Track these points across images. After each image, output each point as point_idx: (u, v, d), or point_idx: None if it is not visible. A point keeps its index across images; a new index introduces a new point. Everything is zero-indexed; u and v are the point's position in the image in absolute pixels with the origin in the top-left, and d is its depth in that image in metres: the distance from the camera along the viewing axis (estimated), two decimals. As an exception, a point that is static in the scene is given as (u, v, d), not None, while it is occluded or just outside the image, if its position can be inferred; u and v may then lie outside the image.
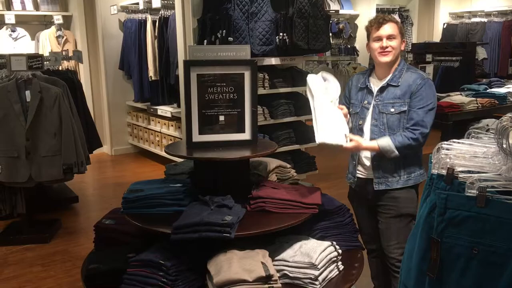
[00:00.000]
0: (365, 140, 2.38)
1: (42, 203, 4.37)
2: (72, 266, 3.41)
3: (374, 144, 2.34)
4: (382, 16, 2.42)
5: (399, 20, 2.54)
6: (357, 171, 2.53)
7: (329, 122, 2.27)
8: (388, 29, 2.35)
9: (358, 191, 2.58)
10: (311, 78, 2.40)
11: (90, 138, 4.48)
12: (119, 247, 2.46)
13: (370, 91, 2.45)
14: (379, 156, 2.39)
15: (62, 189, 5.00)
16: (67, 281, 3.23)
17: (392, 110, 2.36)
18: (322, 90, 2.36)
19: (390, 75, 2.41)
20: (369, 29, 2.41)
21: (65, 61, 5.51)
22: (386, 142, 2.32)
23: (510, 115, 1.34)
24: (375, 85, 2.45)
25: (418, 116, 2.31)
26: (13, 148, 3.60)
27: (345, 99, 2.60)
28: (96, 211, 4.41)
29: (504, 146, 1.17)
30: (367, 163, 2.48)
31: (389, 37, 2.36)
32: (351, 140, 2.29)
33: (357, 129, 2.48)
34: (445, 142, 1.42)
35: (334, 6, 8.52)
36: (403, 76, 2.38)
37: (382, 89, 2.40)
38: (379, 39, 2.36)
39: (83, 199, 4.92)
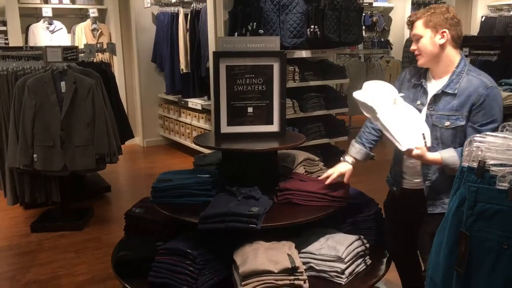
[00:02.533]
0: (428, 152, 1.99)
1: (76, 192, 4.49)
2: (104, 253, 3.50)
3: (438, 156, 1.97)
4: (410, 15, 2.12)
5: (429, 12, 2.05)
6: (404, 181, 2.22)
7: (402, 127, 1.96)
8: (413, 30, 2.07)
9: (401, 200, 2.25)
10: (358, 95, 2.07)
11: (123, 129, 4.57)
12: (148, 236, 2.51)
13: (424, 91, 2.11)
14: (432, 173, 2.09)
15: (95, 179, 5.12)
16: (98, 267, 3.31)
17: (447, 124, 2.01)
18: (376, 99, 2.03)
19: (447, 78, 2.04)
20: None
21: (99, 53, 5.63)
22: (451, 155, 1.95)
23: (547, 108, 1.28)
24: (430, 85, 2.10)
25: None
26: (48, 138, 3.71)
27: None
28: (128, 201, 4.50)
29: (540, 139, 1.13)
30: (417, 179, 2.16)
31: (416, 38, 2.06)
32: (417, 148, 1.94)
33: None
34: (478, 135, 1.38)
35: (367, -1, 8.38)
36: (462, 82, 2.00)
37: (436, 98, 2.05)
38: (412, 41, 2.11)
39: (115, 189, 5.03)
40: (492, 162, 1.19)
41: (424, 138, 1.95)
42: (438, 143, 2.03)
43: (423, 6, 8.90)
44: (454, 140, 2.01)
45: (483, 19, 9.27)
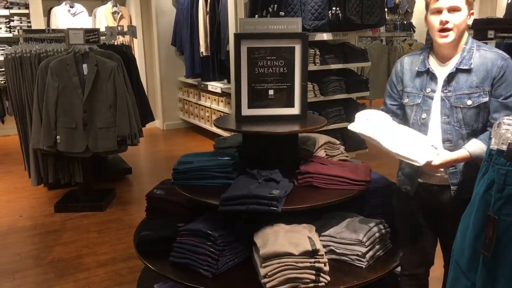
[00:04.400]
0: (451, 152, 1.83)
1: (98, 173, 4.56)
2: (126, 234, 3.56)
3: (465, 153, 1.78)
4: None
5: None
6: (422, 177, 1.99)
7: (409, 144, 1.83)
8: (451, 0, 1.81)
9: (421, 199, 2.02)
10: (355, 128, 1.95)
11: (143, 112, 4.61)
12: (169, 217, 2.54)
13: (433, 76, 1.93)
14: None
15: (117, 161, 5.19)
16: (121, 247, 3.37)
17: (469, 103, 1.85)
18: (374, 128, 1.92)
19: (458, 56, 1.89)
20: None
21: (120, 36, 5.65)
22: (479, 147, 1.76)
23: None
24: (438, 68, 1.93)
25: (509, 106, 1.81)
26: (71, 120, 3.76)
27: (392, 89, 2.08)
28: (148, 183, 4.56)
29: None
30: (439, 173, 1.94)
31: (451, 10, 1.82)
32: (437, 155, 1.79)
33: (418, 125, 1.95)
34: (507, 117, 1.34)
35: (390, -20, 8.20)
36: (475, 57, 1.86)
37: (451, 77, 1.88)
38: (439, 11, 1.83)
39: (136, 171, 5.09)
40: (522, 145, 1.16)
41: (436, 148, 1.84)
42: (460, 125, 1.87)
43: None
44: (477, 119, 1.86)
45: (509, 1, 8.99)
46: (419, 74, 1.97)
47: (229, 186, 2.26)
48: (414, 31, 8.41)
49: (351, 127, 1.96)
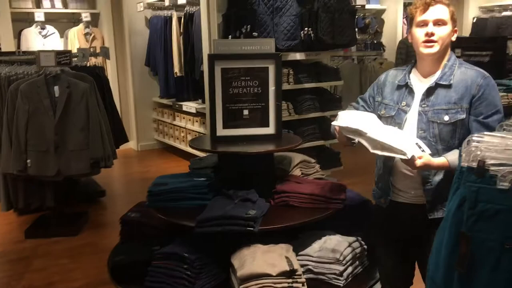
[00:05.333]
0: (432, 158, 1.82)
1: (70, 197, 4.45)
2: (99, 259, 3.46)
3: (444, 160, 1.81)
4: None
5: (451, 3, 1.91)
6: (397, 194, 2.00)
7: (395, 139, 1.80)
8: (436, 12, 1.86)
9: (392, 217, 2.04)
10: (339, 122, 1.90)
11: (117, 133, 4.55)
12: (145, 240, 2.49)
13: (410, 91, 1.96)
14: (433, 176, 1.91)
15: (90, 183, 5.09)
16: (94, 272, 3.28)
17: (447, 118, 1.86)
18: (359, 121, 1.88)
19: (439, 72, 1.91)
20: (413, 11, 1.92)
21: (92, 58, 5.59)
22: (456, 157, 1.68)
23: (544, 107, 1.29)
24: (417, 83, 1.96)
25: (490, 126, 1.81)
26: (42, 142, 3.68)
27: (369, 98, 2.11)
28: (123, 205, 4.46)
29: (538, 138, 1.13)
30: (414, 190, 1.95)
31: (437, 23, 1.86)
32: (419, 158, 1.78)
33: None
34: (476, 135, 1.38)
35: (360, 1, 8.37)
36: (456, 73, 1.89)
37: (430, 91, 1.90)
38: (424, 24, 1.87)
39: (110, 193, 5.00)
40: (491, 161, 1.19)
41: (420, 147, 1.83)
42: (436, 141, 1.88)
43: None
44: (453, 135, 1.87)
45: (474, 20, 9.32)
46: (398, 87, 2.00)
47: (205, 207, 2.24)
48: (384, 50, 8.60)
49: (336, 123, 1.91)
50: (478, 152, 1.23)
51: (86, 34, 6.80)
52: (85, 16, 6.79)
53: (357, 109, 2.15)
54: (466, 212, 1.18)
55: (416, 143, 1.83)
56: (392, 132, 1.87)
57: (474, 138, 1.34)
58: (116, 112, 4.81)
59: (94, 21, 7.07)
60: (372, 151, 1.82)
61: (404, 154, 1.75)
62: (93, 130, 3.74)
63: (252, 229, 2.07)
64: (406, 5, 8.63)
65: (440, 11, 1.86)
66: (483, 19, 9.23)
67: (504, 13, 8.93)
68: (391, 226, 2.05)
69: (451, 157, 1.80)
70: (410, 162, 1.77)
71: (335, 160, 4.91)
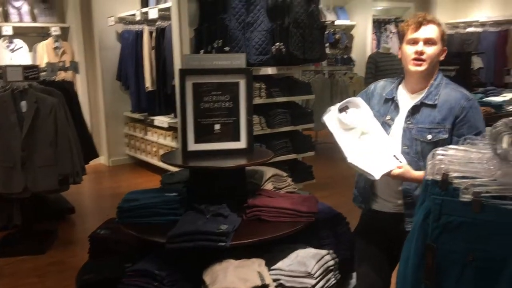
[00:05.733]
0: (412, 170, 1.90)
1: (38, 214, 4.34)
2: (68, 277, 3.36)
3: (422, 173, 1.78)
4: (423, 15, 1.95)
5: (443, 23, 1.99)
6: (377, 202, 2.10)
7: (371, 157, 1.89)
8: (427, 31, 1.91)
9: (374, 226, 2.14)
10: (327, 119, 2.00)
11: (87, 149, 4.47)
12: (114, 257, 2.44)
13: (396, 106, 2.02)
14: (413, 190, 1.96)
15: (59, 200, 4.97)
16: (62, 292, 3.20)
17: (429, 137, 1.92)
18: (342, 130, 1.96)
19: (425, 91, 1.96)
20: (405, 28, 1.97)
21: (62, 72, 5.51)
22: None
23: (504, 120, 1.34)
24: (404, 99, 2.02)
25: None
26: (8, 159, 3.59)
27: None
28: (93, 222, 4.37)
29: (498, 151, 1.17)
30: (393, 200, 2.03)
31: (427, 42, 1.91)
32: (399, 168, 1.86)
33: None
34: (440, 148, 1.42)
35: (330, 17, 8.56)
36: (441, 94, 1.94)
37: (415, 109, 1.96)
38: (415, 42, 1.92)
39: (79, 210, 4.89)
40: (455, 174, 1.22)
41: (398, 159, 1.88)
42: (418, 157, 1.92)
43: (383, 24, 9.19)
44: None
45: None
46: (386, 100, 2.06)
47: (177, 222, 2.21)
48: (354, 65, 8.78)
49: (326, 118, 1.98)
50: (442, 165, 1.26)
51: (55, 48, 6.70)
52: (55, 30, 6.69)
53: None
54: (431, 224, 1.21)
55: (394, 155, 1.89)
56: (371, 144, 1.92)
57: (438, 151, 1.38)
58: (86, 127, 4.74)
59: (64, 35, 6.97)
60: (348, 161, 1.90)
61: (371, 175, 1.83)
62: (62, 146, 3.66)
63: (223, 244, 2.06)
64: (374, 22, 8.86)
65: (431, 31, 1.92)
66: (448, 35, 9.50)
67: (469, 29, 9.26)
68: (372, 234, 2.12)
69: None
70: (385, 175, 1.84)
71: (307, 173, 4.95)
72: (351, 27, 8.90)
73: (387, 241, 2.06)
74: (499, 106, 4.85)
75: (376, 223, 2.08)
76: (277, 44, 4.50)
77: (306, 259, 2.23)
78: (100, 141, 6.89)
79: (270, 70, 4.66)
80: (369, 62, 6.64)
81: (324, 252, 2.30)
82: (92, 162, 4.84)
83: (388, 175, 1.86)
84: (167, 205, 2.33)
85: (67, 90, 4.39)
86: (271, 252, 2.35)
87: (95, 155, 4.80)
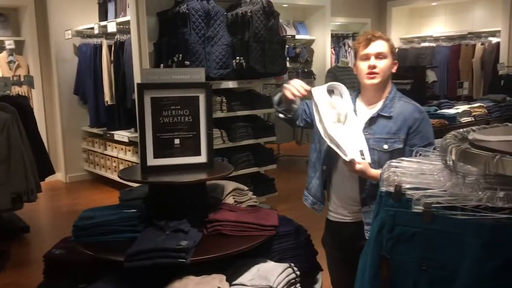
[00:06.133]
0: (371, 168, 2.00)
1: (-10, 234, 4.16)
2: (21, 300, 3.24)
3: (378, 172, 1.89)
4: (372, 32, 2.11)
5: (390, 39, 2.14)
6: (332, 213, 2.22)
7: (344, 140, 1.99)
8: (377, 46, 2.05)
9: (335, 236, 2.26)
10: (316, 91, 2.09)
11: (42, 165, 4.34)
12: (70, 278, 2.36)
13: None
14: (371, 199, 2.04)
15: (12, 219, 4.77)
16: (15, 316, 3.05)
17: (386, 147, 2.05)
18: (327, 106, 2.05)
19: (381, 103, 2.10)
20: (357, 46, 2.12)
21: (16, 87, 5.35)
22: None
23: (453, 133, 1.38)
24: (362, 111, 2.14)
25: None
26: (-43, 177, 3.43)
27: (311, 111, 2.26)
28: (49, 241, 4.21)
29: (448, 162, 1.20)
30: (352, 207, 2.14)
31: (378, 56, 2.05)
32: (359, 163, 1.96)
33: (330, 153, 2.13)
34: (394, 160, 1.45)
35: (290, 31, 8.71)
36: (396, 106, 2.07)
37: (372, 121, 2.09)
38: (367, 57, 2.06)
39: (35, 229, 4.71)
40: (407, 186, 1.25)
41: (362, 155, 1.98)
42: (375, 166, 2.02)
43: (342, 39, 9.41)
44: None
45: (396, 51, 9.95)
46: None
47: (135, 240, 2.16)
48: (315, 78, 8.93)
49: (314, 89, 2.08)
50: (395, 177, 1.29)
51: (9, 62, 6.50)
52: (9, 43, 6.50)
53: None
54: (385, 235, 1.23)
55: (361, 150, 1.99)
56: (350, 131, 2.03)
57: (392, 163, 1.41)
58: (41, 143, 4.60)
59: (19, 48, 6.78)
60: (323, 136, 2.02)
61: (346, 155, 1.94)
62: (15, 163, 3.54)
63: (183, 260, 2.02)
64: (333, 36, 9.07)
65: (380, 46, 2.06)
66: (404, 50, 9.88)
67: (423, 44, 9.61)
68: (336, 243, 2.27)
69: None
70: (351, 164, 1.95)
71: (269, 186, 4.97)
72: (311, 42, 9.07)
73: (350, 247, 2.13)
74: (452, 118, 5.03)
75: (338, 231, 2.21)
76: (237, 58, 4.52)
77: (268, 273, 2.22)
78: (57, 157, 6.71)
79: (231, 84, 4.68)
80: (328, 76, 6.78)
81: (285, 265, 2.31)
82: (48, 179, 4.70)
83: (351, 166, 1.96)
84: (125, 222, 2.28)
85: (22, 105, 4.27)
86: (233, 267, 2.33)
87: (51, 171, 4.66)
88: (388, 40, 2.09)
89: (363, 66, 2.07)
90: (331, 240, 2.27)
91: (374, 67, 2.03)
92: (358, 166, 1.95)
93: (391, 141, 2.04)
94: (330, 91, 2.14)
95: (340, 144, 1.96)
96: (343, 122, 2.06)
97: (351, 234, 2.12)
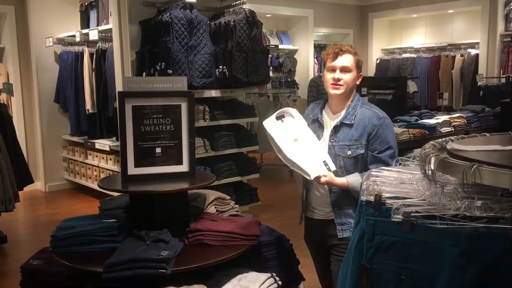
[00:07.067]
0: (336, 177, 2.16)
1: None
2: (-3, 313, 3.16)
3: (344, 180, 2.16)
4: (340, 46, 2.23)
5: (356, 51, 2.28)
6: (314, 212, 2.36)
7: (305, 159, 2.13)
8: (343, 61, 2.20)
9: (313, 232, 2.42)
10: (267, 124, 2.22)
11: (20, 174, 4.26)
12: (48, 290, 2.31)
13: (321, 125, 2.30)
14: (340, 200, 2.23)
15: (-11, 229, 4.66)
16: (-10, 329, 2.97)
17: (349, 153, 2.20)
18: (280, 133, 2.19)
19: (344, 111, 2.24)
20: (325, 57, 2.26)
21: (-5, 94, 5.26)
22: (355, 179, 2.13)
23: (432, 142, 1.40)
24: (327, 119, 2.30)
25: (383, 160, 2.15)
26: None
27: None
28: (27, 252, 4.13)
29: (427, 172, 1.22)
30: (327, 208, 2.29)
31: (343, 70, 2.20)
32: (324, 176, 2.11)
33: None
34: (374, 170, 1.46)
35: (273, 41, 8.76)
36: (357, 113, 2.21)
37: (336, 129, 2.24)
38: (333, 70, 2.21)
39: (12, 239, 4.60)
40: (387, 195, 1.26)
41: (327, 165, 2.13)
42: (342, 171, 2.19)
43: (325, 49, 9.51)
44: (356, 167, 2.20)
45: (378, 61, 10.09)
46: (313, 121, 2.33)
47: (115, 250, 2.13)
48: (297, 88, 8.98)
49: (265, 123, 2.21)
50: (375, 186, 1.30)
51: (-12, 69, 6.39)
52: (-12, 50, 6.40)
53: None
54: (365, 244, 1.24)
55: (324, 161, 2.15)
56: (306, 149, 2.17)
57: (373, 173, 1.42)
58: (20, 151, 4.52)
59: (-2, 55, 6.68)
60: (284, 162, 2.16)
61: (308, 175, 2.10)
62: (-7, 172, 3.47)
63: (164, 271, 2.00)
64: (316, 46, 9.15)
65: (346, 60, 2.21)
66: (385, 60, 10.01)
67: (404, 55, 9.76)
68: (314, 241, 2.42)
69: (350, 178, 2.15)
70: (316, 180, 2.12)
71: (252, 195, 4.95)
72: (294, 52, 9.13)
73: (324, 243, 2.33)
74: (432, 128, 5.09)
75: (315, 229, 2.37)
76: (220, 67, 4.52)
77: (250, 283, 2.21)
78: (36, 166, 6.59)
79: (214, 93, 4.67)
80: (310, 85, 6.82)
81: (267, 275, 2.30)
82: (27, 188, 4.61)
83: (317, 181, 2.12)
84: (105, 232, 2.25)
85: (0, 113, 4.19)
86: (214, 277, 2.31)
87: (30, 180, 4.57)
88: (355, 54, 2.23)
89: (329, 77, 2.22)
90: (310, 236, 2.46)
91: (339, 80, 2.18)
92: (323, 179, 2.11)
93: (354, 147, 2.19)
94: (281, 117, 2.28)
95: (301, 166, 2.10)
96: (300, 139, 2.20)
97: (323, 229, 2.30)
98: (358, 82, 2.26)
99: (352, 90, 2.26)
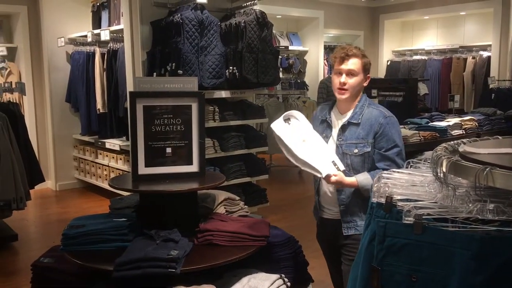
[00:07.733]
0: (345, 177, 2.18)
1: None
2: (8, 310, 3.19)
3: (354, 180, 2.19)
4: (347, 49, 2.24)
5: (364, 54, 2.28)
6: (324, 211, 2.39)
7: (315, 159, 2.14)
8: (350, 64, 2.21)
9: (323, 231, 2.45)
10: (275, 126, 2.22)
11: (32, 173, 4.30)
12: (58, 287, 2.33)
13: (329, 125, 2.33)
14: (346, 199, 2.27)
15: (0, 227, 4.71)
16: (1, 326, 3.00)
17: (356, 151, 2.24)
18: (289, 135, 2.20)
19: (351, 111, 2.28)
20: (333, 60, 2.29)
21: (7, 93, 5.31)
22: (366, 179, 2.16)
23: (444, 145, 1.39)
24: (335, 119, 2.33)
25: (389, 158, 2.19)
26: None
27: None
28: (37, 250, 4.17)
29: (439, 174, 1.21)
30: (335, 208, 2.32)
31: (349, 73, 2.22)
32: (334, 175, 2.13)
33: None
34: (385, 172, 1.46)
35: (283, 42, 8.76)
36: (364, 113, 2.25)
37: (343, 128, 2.28)
38: (339, 73, 2.24)
39: (23, 237, 4.65)
40: (398, 197, 1.26)
41: (336, 165, 2.16)
42: (349, 169, 2.23)
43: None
44: (363, 165, 2.24)
45: (388, 63, 10.04)
46: (322, 121, 2.38)
47: (125, 249, 2.15)
48: (307, 89, 8.96)
49: (273, 125, 2.21)
50: (386, 188, 1.30)
51: (1, 69, 6.47)
52: (1, 50, 6.46)
53: None
54: (376, 246, 1.23)
55: (333, 161, 2.17)
56: (315, 148, 2.20)
57: (384, 174, 1.42)
58: (32, 150, 4.56)
59: (11, 55, 6.75)
60: (295, 163, 2.17)
61: (320, 173, 2.12)
62: (4, 170, 3.51)
63: (173, 270, 2.01)
64: (326, 48, 9.13)
65: (353, 64, 2.23)
66: (396, 62, 9.96)
67: (415, 57, 9.70)
68: (325, 239, 2.44)
69: (360, 177, 2.19)
70: (326, 178, 2.13)
71: (261, 196, 4.95)
72: (304, 53, 9.12)
73: (335, 244, 2.37)
74: (443, 131, 5.06)
75: (325, 229, 2.41)
76: (230, 68, 4.53)
77: (258, 284, 2.21)
78: (47, 165, 6.65)
79: (224, 94, 4.68)
80: (320, 87, 6.80)
81: (276, 276, 2.30)
82: (38, 187, 4.65)
83: (327, 180, 2.14)
84: (115, 231, 2.26)
85: (13, 112, 4.24)
86: (223, 277, 2.32)
87: (41, 179, 4.61)
88: (362, 57, 2.25)
89: (335, 80, 2.26)
90: (321, 235, 2.48)
91: (344, 83, 2.22)
92: (333, 179, 2.13)
93: (361, 145, 2.24)
94: (288, 119, 2.29)
95: (312, 165, 2.12)
96: (308, 140, 2.22)
97: (333, 228, 2.33)
98: (365, 84, 2.29)
99: (359, 92, 2.30)
